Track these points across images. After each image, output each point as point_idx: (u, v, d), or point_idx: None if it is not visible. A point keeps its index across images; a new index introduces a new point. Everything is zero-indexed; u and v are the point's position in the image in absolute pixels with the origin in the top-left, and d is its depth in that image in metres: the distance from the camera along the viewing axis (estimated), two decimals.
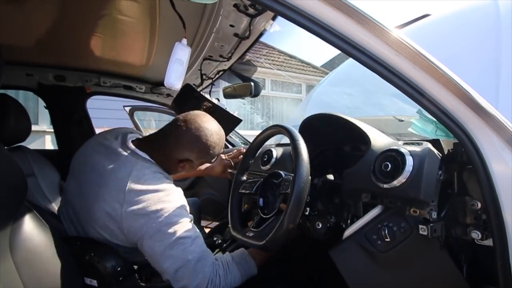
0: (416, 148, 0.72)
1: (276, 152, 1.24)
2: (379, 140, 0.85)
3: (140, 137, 1.02)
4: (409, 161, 0.69)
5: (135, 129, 2.53)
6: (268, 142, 1.13)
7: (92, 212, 0.87)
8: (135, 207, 0.83)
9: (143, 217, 0.83)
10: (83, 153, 0.99)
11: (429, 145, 0.71)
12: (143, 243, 0.84)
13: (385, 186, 0.72)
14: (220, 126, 0.98)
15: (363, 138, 0.87)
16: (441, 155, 0.70)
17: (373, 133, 0.88)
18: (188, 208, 0.90)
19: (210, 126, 0.95)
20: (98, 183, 0.89)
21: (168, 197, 0.86)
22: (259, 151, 1.22)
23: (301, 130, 1.10)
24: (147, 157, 0.93)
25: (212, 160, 1.01)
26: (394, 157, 0.72)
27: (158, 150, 0.94)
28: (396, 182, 0.70)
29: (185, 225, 0.86)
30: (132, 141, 0.97)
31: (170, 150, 0.94)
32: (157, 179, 0.88)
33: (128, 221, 0.84)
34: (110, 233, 0.87)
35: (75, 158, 1.01)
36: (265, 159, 1.25)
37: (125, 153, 0.91)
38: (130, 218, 0.84)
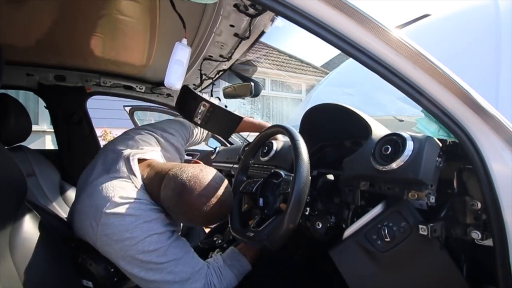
0: (417, 135, 0.73)
1: (276, 145, 1.24)
2: (380, 130, 0.87)
3: (147, 158, 0.95)
4: (409, 145, 0.70)
5: None
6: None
7: (77, 219, 0.86)
8: (109, 230, 0.78)
9: (117, 243, 0.78)
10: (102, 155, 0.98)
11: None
12: (121, 267, 0.81)
13: (384, 168, 0.72)
14: (218, 189, 0.82)
15: (365, 130, 0.88)
16: (441, 145, 0.71)
17: (375, 124, 0.90)
18: (169, 235, 0.83)
19: (208, 194, 0.80)
20: (89, 190, 0.86)
21: (146, 224, 0.80)
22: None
23: (303, 122, 1.10)
24: (139, 179, 0.87)
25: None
26: (395, 141, 0.73)
27: (155, 187, 0.86)
28: (394, 165, 0.70)
29: (166, 251, 0.80)
30: (139, 159, 0.91)
31: (163, 201, 0.84)
32: (138, 205, 0.82)
33: (103, 244, 0.80)
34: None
35: (95, 159, 1.00)
36: (265, 151, 1.26)
37: (123, 168, 0.88)
38: (104, 242, 0.79)
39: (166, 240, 0.81)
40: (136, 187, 0.86)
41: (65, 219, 1.11)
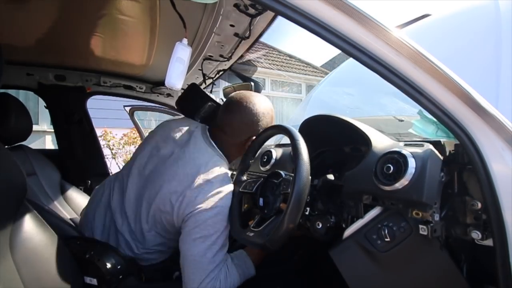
0: (418, 150, 0.71)
1: (276, 153, 1.24)
2: (379, 141, 0.85)
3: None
4: (411, 163, 0.68)
5: (135, 128, 2.53)
6: (268, 143, 1.13)
7: (160, 190, 0.94)
8: (199, 194, 0.90)
9: (200, 204, 0.89)
10: (162, 132, 1.09)
11: (431, 147, 0.71)
12: (187, 223, 0.90)
13: (388, 188, 0.71)
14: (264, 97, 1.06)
15: (364, 139, 0.87)
16: (442, 157, 0.70)
17: (373, 134, 0.88)
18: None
19: (259, 103, 1.02)
20: (176, 161, 0.98)
21: (226, 197, 0.93)
22: (258, 152, 1.21)
23: (301, 131, 1.10)
24: (220, 152, 1.01)
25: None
26: (396, 159, 0.71)
27: (228, 140, 1.03)
28: (398, 185, 0.69)
29: (224, 229, 0.91)
30: (209, 130, 1.06)
31: (236, 138, 1.03)
32: (224, 178, 0.96)
33: (188, 203, 0.90)
34: (165, 211, 0.93)
35: (146, 139, 1.12)
36: (265, 160, 1.25)
37: (205, 144, 1.01)
38: (190, 201, 0.90)
39: (227, 223, 0.93)
40: (217, 154, 1.00)
41: (65, 219, 1.12)
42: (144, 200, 0.98)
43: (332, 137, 1.04)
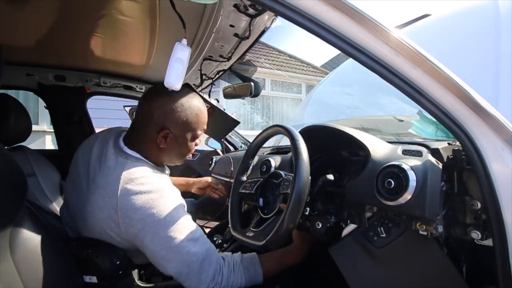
0: (417, 162, 0.70)
1: (274, 162, 1.23)
2: (378, 149, 0.84)
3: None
4: (412, 176, 0.68)
5: None
6: (267, 144, 1.13)
7: (89, 219, 0.86)
8: (129, 212, 0.81)
9: (138, 222, 0.81)
10: (80, 155, 0.96)
11: (429, 156, 0.71)
12: (143, 247, 0.83)
13: (392, 203, 0.70)
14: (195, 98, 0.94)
15: (361, 147, 0.87)
16: (441, 164, 0.70)
17: (370, 142, 0.86)
18: (185, 206, 0.88)
19: (179, 94, 0.90)
20: (91, 189, 0.86)
21: (161, 199, 0.83)
22: (256, 161, 1.20)
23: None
24: (136, 154, 0.89)
25: (198, 133, 0.96)
26: (397, 174, 0.70)
27: (140, 138, 0.90)
28: (401, 200, 0.68)
29: (184, 226, 0.84)
30: (123, 139, 0.93)
31: (146, 129, 0.89)
32: (149, 179, 0.85)
33: (125, 226, 0.82)
34: (109, 238, 0.86)
35: (73, 158, 0.99)
36: (264, 170, 1.23)
37: (115, 155, 0.88)
38: (126, 224, 0.81)
39: (183, 216, 0.84)
40: (132, 160, 0.87)
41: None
42: (80, 217, 0.89)
43: (329, 143, 1.03)
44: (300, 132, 1.03)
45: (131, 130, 0.95)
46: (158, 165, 0.95)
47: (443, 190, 0.68)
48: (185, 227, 0.84)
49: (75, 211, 0.91)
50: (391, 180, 0.70)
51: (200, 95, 1.17)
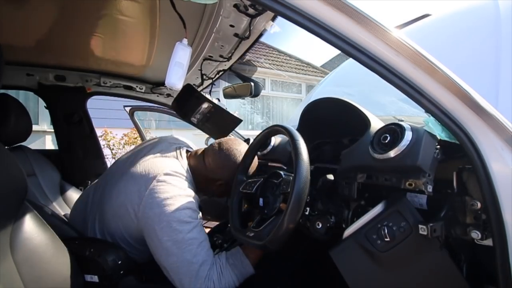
0: (417, 125, 0.73)
1: (274, 140, 1.24)
2: (378, 123, 0.87)
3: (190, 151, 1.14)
4: (408, 135, 0.70)
5: (135, 128, 2.53)
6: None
7: (120, 190, 0.94)
8: (156, 195, 0.89)
9: (158, 207, 0.88)
10: (134, 150, 1.12)
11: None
12: (151, 233, 0.87)
13: (381, 157, 0.72)
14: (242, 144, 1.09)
15: (364, 126, 0.88)
16: (439, 138, 0.71)
17: (374, 118, 0.90)
18: (200, 215, 0.95)
19: (240, 149, 1.06)
20: (138, 165, 0.98)
21: (186, 198, 0.91)
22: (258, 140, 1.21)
23: (301, 119, 1.10)
24: (186, 164, 1.04)
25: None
26: (394, 130, 0.73)
27: (197, 164, 1.05)
28: (392, 153, 0.71)
29: (195, 227, 0.89)
30: (187, 151, 1.10)
31: (206, 170, 1.04)
32: (184, 182, 0.96)
33: (145, 206, 0.89)
34: (125, 219, 0.91)
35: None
36: (263, 149, 1.25)
37: (172, 153, 1.04)
38: (148, 204, 0.88)
39: (197, 219, 0.92)
40: (182, 166, 1.01)
41: (66, 219, 1.12)
42: (104, 202, 0.98)
43: (331, 127, 1.05)
44: (308, 106, 1.05)
45: (197, 156, 1.08)
46: (196, 186, 1.05)
47: (436, 158, 0.69)
48: (196, 228, 0.90)
49: (109, 187, 1.00)
50: (387, 135, 0.74)
51: (203, 95, 1.18)
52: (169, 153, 1.04)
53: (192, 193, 0.96)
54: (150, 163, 0.98)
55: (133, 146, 4.54)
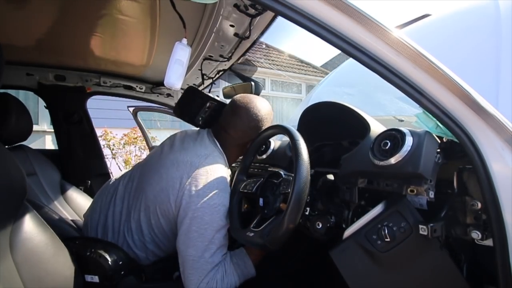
0: (417, 130, 0.73)
1: (274, 144, 1.24)
2: (378, 128, 0.87)
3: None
4: (409, 140, 0.70)
5: (139, 129, 2.54)
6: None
7: (162, 176, 0.95)
8: (197, 184, 0.91)
9: (198, 197, 0.89)
10: (169, 140, 1.13)
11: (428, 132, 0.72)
12: (183, 221, 0.89)
13: (381, 163, 0.72)
14: (266, 102, 1.10)
15: (363, 129, 0.88)
16: (439, 141, 0.71)
17: (373, 122, 0.90)
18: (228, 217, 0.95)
19: (263, 108, 1.06)
20: (179, 152, 1.00)
21: (224, 194, 0.93)
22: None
23: (301, 122, 1.10)
24: (221, 150, 1.04)
25: None
26: (394, 136, 0.73)
27: (230, 141, 1.06)
28: (393, 160, 0.70)
29: (223, 228, 0.91)
30: (212, 131, 1.10)
31: (234, 139, 1.05)
32: (223, 174, 0.97)
33: (186, 194, 0.90)
34: (164, 204, 0.93)
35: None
36: (262, 149, 1.26)
37: (208, 139, 1.05)
38: (188, 192, 0.90)
39: (227, 221, 0.93)
40: (220, 153, 1.03)
41: (65, 220, 1.12)
42: (143, 188, 0.99)
43: (331, 129, 1.05)
44: (307, 109, 1.05)
45: (224, 129, 1.07)
46: (229, 161, 1.08)
47: (437, 162, 0.69)
48: (223, 230, 0.92)
49: (148, 175, 1.01)
50: (387, 141, 0.73)
51: (204, 93, 1.18)
52: (205, 139, 1.05)
53: (229, 189, 0.97)
54: (191, 150, 0.99)
55: (134, 146, 4.55)
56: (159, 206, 0.95)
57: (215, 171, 0.95)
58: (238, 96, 1.10)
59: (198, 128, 1.17)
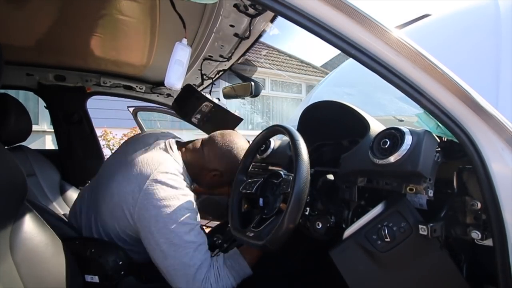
0: (416, 129, 0.73)
1: (274, 143, 1.24)
2: (378, 127, 0.87)
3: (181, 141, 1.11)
4: (408, 139, 0.70)
5: (139, 129, 2.54)
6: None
7: (113, 191, 0.91)
8: (151, 196, 0.86)
9: (154, 208, 0.85)
10: (124, 146, 1.09)
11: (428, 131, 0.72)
12: (148, 236, 0.86)
13: (381, 162, 0.72)
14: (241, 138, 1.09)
15: (363, 128, 0.88)
16: (439, 140, 0.71)
17: (373, 121, 0.90)
18: (198, 216, 0.92)
19: (241, 143, 1.05)
20: (130, 164, 0.94)
21: (184, 197, 0.89)
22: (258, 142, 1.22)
23: (301, 121, 1.10)
24: (179, 156, 1.00)
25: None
26: (394, 134, 0.73)
27: (192, 155, 1.03)
28: (392, 158, 0.70)
29: (192, 229, 0.88)
30: (176, 142, 1.06)
31: (203, 159, 1.03)
32: (179, 178, 0.93)
33: (141, 208, 0.86)
34: (121, 220, 0.90)
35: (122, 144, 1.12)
36: (262, 149, 1.26)
37: (162, 146, 1.00)
38: (143, 206, 0.86)
39: (195, 220, 0.89)
40: (175, 160, 0.98)
41: (66, 219, 1.12)
42: (98, 204, 0.96)
43: (331, 129, 1.05)
44: (307, 108, 1.05)
45: (190, 146, 1.06)
46: (191, 178, 1.04)
47: (437, 161, 0.69)
48: (194, 230, 0.88)
49: (103, 188, 0.97)
50: (387, 140, 0.73)
51: (203, 94, 1.18)
52: (158, 147, 1.00)
53: (189, 192, 0.93)
54: (141, 161, 0.94)
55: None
56: (117, 222, 0.92)
57: (168, 178, 0.90)
58: (228, 132, 1.10)
59: (150, 133, 1.12)
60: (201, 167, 1.03)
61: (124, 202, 0.89)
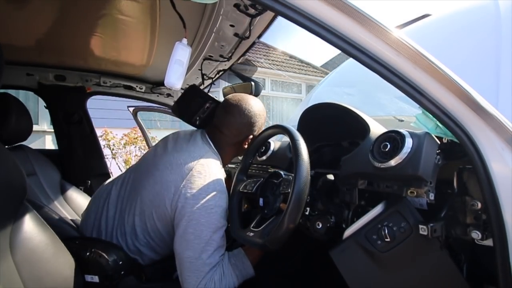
0: (416, 131, 0.73)
1: (274, 145, 1.24)
2: (378, 129, 0.87)
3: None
4: (408, 142, 0.70)
5: (139, 128, 2.54)
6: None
7: (156, 180, 0.95)
8: (192, 187, 0.91)
9: (193, 199, 0.89)
10: (164, 141, 1.12)
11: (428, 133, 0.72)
12: (180, 222, 0.89)
13: (382, 165, 0.72)
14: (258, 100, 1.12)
15: (363, 130, 0.88)
16: (439, 142, 0.71)
17: (373, 123, 0.90)
18: (227, 216, 0.95)
19: (249, 101, 1.07)
20: (172, 155, 0.99)
21: (220, 195, 0.92)
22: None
23: (301, 122, 1.11)
24: (216, 151, 1.04)
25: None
26: (394, 138, 0.73)
27: (226, 140, 1.06)
28: (393, 162, 0.70)
29: (219, 229, 0.91)
30: (207, 132, 1.09)
31: (229, 137, 1.06)
32: (218, 175, 0.96)
33: (181, 197, 0.90)
34: (160, 208, 0.93)
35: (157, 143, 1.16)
36: (262, 150, 1.26)
37: (202, 139, 1.05)
38: (183, 196, 0.90)
39: (224, 222, 0.92)
40: (212, 150, 1.03)
41: (65, 220, 1.12)
42: (138, 192, 0.99)
43: (330, 130, 1.05)
44: (307, 109, 1.05)
45: (218, 129, 1.08)
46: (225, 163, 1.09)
47: (437, 164, 0.69)
48: (220, 231, 0.91)
49: (140, 179, 1.02)
50: (387, 143, 0.73)
51: (207, 94, 1.18)
52: (196, 139, 1.05)
53: (225, 189, 0.96)
54: (184, 153, 0.99)
55: (135, 146, 4.56)
56: (155, 210, 0.94)
57: (209, 172, 0.94)
58: (229, 96, 1.11)
59: (192, 129, 1.17)
60: (234, 144, 1.07)
61: (166, 190, 0.92)
